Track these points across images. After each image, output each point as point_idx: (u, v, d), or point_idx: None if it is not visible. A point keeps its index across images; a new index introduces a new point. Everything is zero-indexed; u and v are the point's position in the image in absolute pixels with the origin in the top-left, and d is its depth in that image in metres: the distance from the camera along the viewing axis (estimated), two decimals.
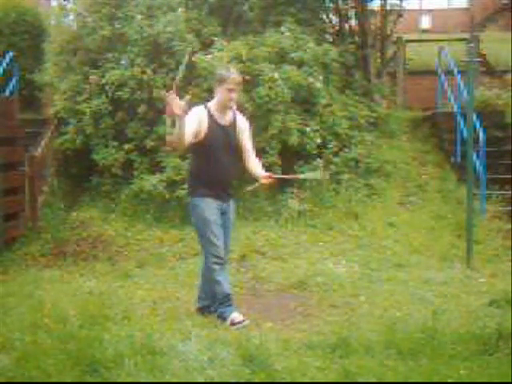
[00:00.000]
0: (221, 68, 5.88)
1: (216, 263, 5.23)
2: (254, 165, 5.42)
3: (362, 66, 11.29)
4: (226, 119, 5.31)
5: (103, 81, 9.55)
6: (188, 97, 4.85)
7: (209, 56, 9.14)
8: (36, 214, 8.76)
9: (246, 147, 5.40)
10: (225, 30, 10.25)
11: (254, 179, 5.43)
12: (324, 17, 11.68)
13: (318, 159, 9.21)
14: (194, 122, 5.12)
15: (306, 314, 5.63)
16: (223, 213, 5.32)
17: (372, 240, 8.26)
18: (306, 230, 8.53)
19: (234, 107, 5.37)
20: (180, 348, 4.25)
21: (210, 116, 5.25)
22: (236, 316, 5.23)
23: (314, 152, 9.30)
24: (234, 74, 5.27)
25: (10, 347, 4.27)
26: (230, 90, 5.20)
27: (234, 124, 5.34)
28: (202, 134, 5.19)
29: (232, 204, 5.45)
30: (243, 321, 5.19)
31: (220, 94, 5.25)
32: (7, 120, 8.58)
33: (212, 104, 5.32)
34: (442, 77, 11.33)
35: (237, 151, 5.37)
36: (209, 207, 5.23)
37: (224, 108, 5.29)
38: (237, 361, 4.07)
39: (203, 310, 5.48)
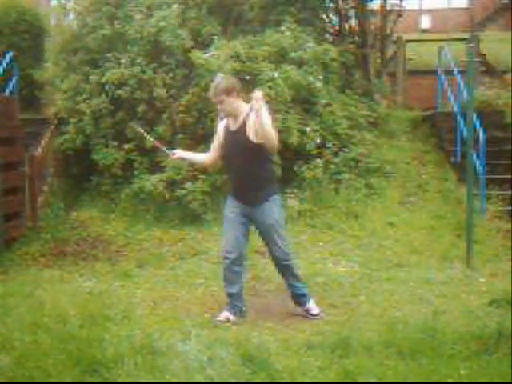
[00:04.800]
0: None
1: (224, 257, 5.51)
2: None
3: (361, 66, 11.29)
4: (236, 124, 5.36)
5: (103, 80, 9.55)
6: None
7: (208, 54, 9.14)
8: (36, 214, 8.75)
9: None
10: (224, 30, 10.24)
11: None
12: (324, 16, 11.69)
13: (318, 159, 9.22)
14: (215, 139, 5.60)
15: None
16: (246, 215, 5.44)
17: (372, 240, 8.26)
18: (306, 230, 8.53)
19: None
20: (180, 348, 4.25)
21: (226, 125, 5.46)
22: (222, 314, 5.43)
23: (314, 152, 9.30)
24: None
25: (10, 347, 4.27)
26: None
27: (243, 125, 5.31)
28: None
29: (264, 207, 5.39)
30: (223, 321, 5.33)
31: None
32: (7, 120, 8.56)
33: None
34: (442, 77, 11.33)
35: (252, 153, 5.28)
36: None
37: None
38: (237, 361, 4.07)
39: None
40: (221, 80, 5.41)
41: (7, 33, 11.42)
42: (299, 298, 5.64)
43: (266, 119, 5.07)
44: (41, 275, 7.14)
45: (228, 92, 5.28)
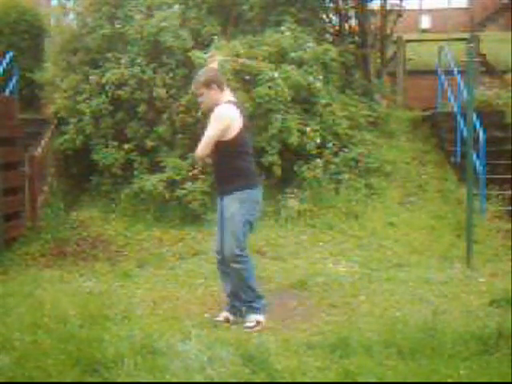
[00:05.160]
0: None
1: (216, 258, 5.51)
2: None
3: (361, 66, 11.29)
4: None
5: (103, 80, 9.55)
6: None
7: (208, 54, 9.14)
8: (36, 214, 8.76)
9: None
10: (224, 30, 10.25)
11: None
12: (324, 17, 11.69)
13: (318, 159, 9.22)
14: None
15: (305, 314, 5.63)
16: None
17: (372, 240, 8.26)
18: (306, 230, 8.53)
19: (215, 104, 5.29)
20: (180, 348, 4.24)
21: None
22: (221, 314, 5.41)
23: (314, 152, 9.29)
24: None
25: (10, 347, 4.26)
26: None
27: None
28: None
29: (226, 200, 5.23)
30: (222, 321, 5.31)
31: None
32: (7, 120, 8.57)
33: None
34: (442, 77, 11.33)
35: (218, 147, 5.19)
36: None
37: None
38: (237, 361, 4.07)
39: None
40: (202, 73, 5.40)
41: (7, 33, 11.43)
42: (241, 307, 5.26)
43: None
44: (41, 275, 7.13)
45: (207, 84, 5.24)
